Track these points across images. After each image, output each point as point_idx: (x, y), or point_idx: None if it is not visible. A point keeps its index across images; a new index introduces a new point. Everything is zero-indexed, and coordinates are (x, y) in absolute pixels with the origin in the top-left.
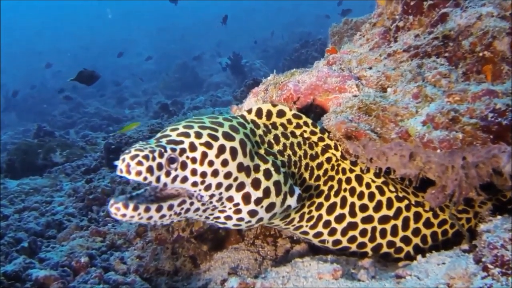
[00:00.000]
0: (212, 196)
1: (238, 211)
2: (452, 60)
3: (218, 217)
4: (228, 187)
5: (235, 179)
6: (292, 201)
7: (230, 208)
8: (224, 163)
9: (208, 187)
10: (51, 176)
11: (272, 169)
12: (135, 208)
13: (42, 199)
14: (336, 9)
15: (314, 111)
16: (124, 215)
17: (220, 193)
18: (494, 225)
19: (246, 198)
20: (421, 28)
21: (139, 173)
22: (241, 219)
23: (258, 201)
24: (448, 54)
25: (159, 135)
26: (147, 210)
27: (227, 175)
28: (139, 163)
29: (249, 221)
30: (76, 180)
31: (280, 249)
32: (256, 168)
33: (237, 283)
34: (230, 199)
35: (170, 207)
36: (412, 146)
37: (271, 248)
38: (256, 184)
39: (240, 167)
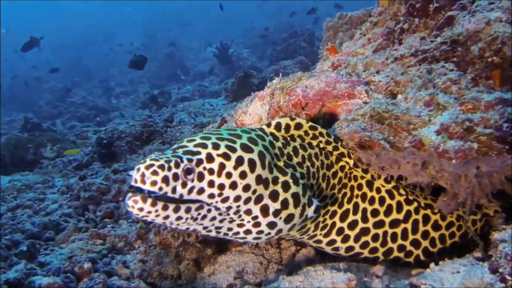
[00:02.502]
0: (229, 208)
1: (257, 224)
2: (460, 65)
3: (237, 233)
4: (247, 201)
5: (254, 191)
6: (310, 212)
7: (248, 222)
8: (243, 175)
9: (225, 200)
10: (42, 171)
11: (290, 181)
12: (153, 204)
13: (35, 196)
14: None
15: (323, 118)
16: (141, 209)
17: (238, 206)
18: (508, 234)
19: (264, 211)
20: (427, 31)
21: (154, 183)
22: (260, 232)
23: (276, 213)
24: (456, 59)
25: (175, 146)
26: (165, 208)
27: (246, 188)
28: (154, 173)
29: (269, 233)
30: (68, 176)
31: (285, 252)
32: (275, 181)
33: None
34: (248, 212)
35: (188, 210)
36: (425, 155)
37: (275, 250)
38: (274, 196)
39: (259, 180)
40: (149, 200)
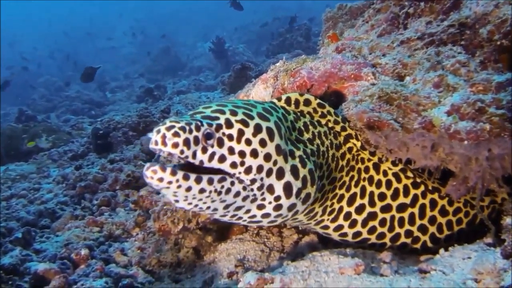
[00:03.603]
0: (253, 181)
1: (278, 207)
2: (469, 48)
3: (254, 216)
4: (269, 172)
5: (275, 162)
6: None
7: (270, 203)
8: (263, 143)
9: (248, 170)
10: (37, 162)
11: (304, 156)
12: (173, 173)
13: (29, 186)
14: None
15: (329, 100)
16: (161, 179)
17: (262, 179)
18: None
19: (288, 190)
20: (433, 15)
21: (175, 145)
22: (279, 215)
23: (298, 193)
24: (464, 42)
25: (191, 112)
26: (185, 177)
27: (267, 157)
28: (176, 134)
29: (286, 216)
30: (63, 166)
31: (287, 240)
32: (292, 154)
33: (255, 279)
34: (270, 189)
35: (210, 181)
36: (435, 136)
37: (277, 239)
38: (295, 172)
39: (279, 150)
40: (169, 169)
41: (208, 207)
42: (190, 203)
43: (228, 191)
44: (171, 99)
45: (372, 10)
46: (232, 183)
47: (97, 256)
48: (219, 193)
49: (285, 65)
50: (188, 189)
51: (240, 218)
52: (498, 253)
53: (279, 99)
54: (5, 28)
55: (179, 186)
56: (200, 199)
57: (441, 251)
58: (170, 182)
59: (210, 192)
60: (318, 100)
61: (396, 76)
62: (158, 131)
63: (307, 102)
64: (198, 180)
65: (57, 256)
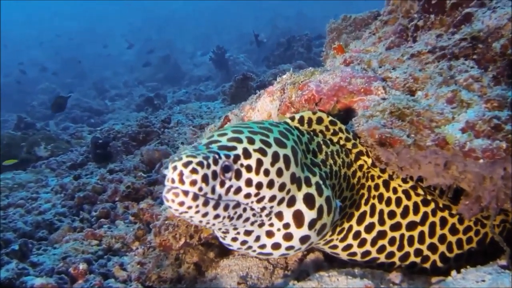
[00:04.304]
0: (263, 209)
1: (288, 237)
2: (481, 63)
3: (264, 246)
4: (280, 201)
5: (288, 191)
6: (337, 216)
7: (278, 230)
8: (279, 172)
9: (261, 200)
10: (36, 170)
11: (321, 182)
12: (195, 198)
13: (27, 195)
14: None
15: (338, 114)
16: (182, 203)
17: (271, 207)
18: None
19: (298, 219)
20: (443, 28)
21: (194, 182)
22: (290, 248)
23: (312, 224)
24: (477, 57)
25: (206, 140)
26: (205, 203)
27: (281, 187)
28: (194, 171)
29: (299, 249)
30: (62, 176)
31: (291, 257)
32: (307, 181)
33: None
34: (279, 216)
35: (226, 208)
36: (449, 154)
37: None
38: (309, 201)
39: (293, 178)
40: (191, 194)
41: (219, 229)
42: (202, 223)
43: (239, 217)
44: (171, 109)
45: (379, 22)
46: (245, 210)
47: (96, 271)
48: (231, 218)
49: (293, 78)
50: (205, 214)
51: (250, 247)
52: None
53: (292, 119)
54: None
55: (197, 212)
56: (214, 224)
57: (453, 273)
58: (190, 207)
59: (224, 217)
60: (330, 118)
61: (407, 90)
62: (175, 168)
63: (319, 121)
64: (215, 207)
65: (55, 270)
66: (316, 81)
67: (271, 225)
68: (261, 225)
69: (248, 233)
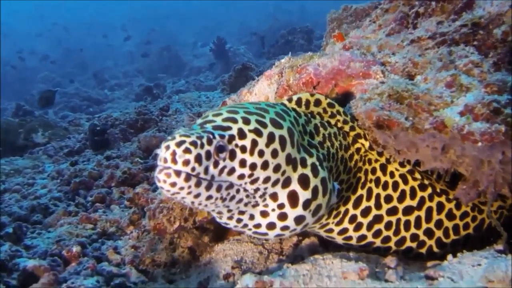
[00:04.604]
0: (256, 190)
1: (283, 217)
2: (481, 49)
3: (259, 225)
4: (275, 182)
5: (283, 172)
6: (334, 199)
7: (273, 210)
8: (274, 153)
9: (254, 181)
10: (33, 157)
11: (317, 163)
12: (187, 179)
13: (23, 181)
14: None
15: (336, 98)
16: (173, 184)
17: (265, 188)
18: None
19: (293, 199)
20: (444, 15)
21: (186, 162)
22: (286, 228)
23: (306, 204)
24: (477, 43)
25: (200, 120)
26: (198, 184)
27: (276, 168)
28: (187, 151)
29: (294, 229)
30: (59, 162)
31: (286, 242)
32: (303, 162)
33: (253, 282)
34: (274, 196)
35: (219, 188)
36: (447, 137)
37: (276, 240)
38: (304, 181)
39: (289, 159)
40: (183, 175)
41: (213, 210)
42: (195, 204)
43: (232, 198)
44: (170, 98)
45: (379, 10)
46: (238, 191)
47: (89, 254)
48: (224, 199)
49: (291, 61)
50: (197, 195)
51: (246, 225)
52: (510, 260)
53: (290, 100)
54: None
55: (189, 193)
56: (206, 205)
57: (449, 257)
58: (182, 188)
59: (217, 198)
60: (328, 100)
61: (406, 75)
62: (168, 147)
63: (317, 103)
64: (208, 187)
65: (48, 253)
66: (314, 64)
67: (266, 205)
68: (255, 205)
69: (242, 213)
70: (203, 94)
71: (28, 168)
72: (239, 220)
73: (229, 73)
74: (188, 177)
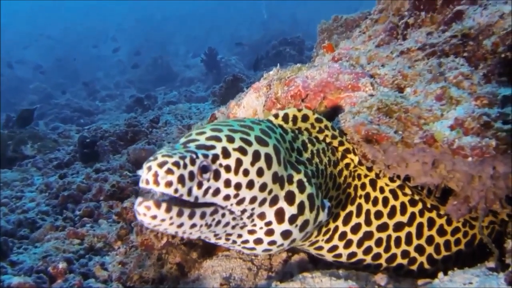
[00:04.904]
0: (243, 211)
1: (270, 232)
2: (471, 60)
3: (247, 241)
4: (262, 202)
5: (270, 192)
6: (324, 216)
7: (261, 228)
8: (260, 172)
9: (240, 202)
10: (21, 169)
11: (304, 180)
12: (168, 209)
13: (12, 194)
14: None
15: (324, 111)
16: (154, 217)
17: (253, 209)
18: None
19: (280, 215)
20: (434, 26)
21: (169, 184)
22: (273, 243)
23: (292, 219)
24: (467, 54)
25: (184, 139)
26: (179, 214)
27: (262, 188)
28: (169, 171)
29: (282, 244)
30: (48, 175)
31: (275, 259)
32: (290, 179)
33: None
34: (261, 216)
35: (203, 215)
36: (437, 152)
37: (265, 256)
38: (290, 198)
39: (275, 178)
40: (164, 205)
41: (199, 237)
42: (178, 233)
43: (218, 223)
44: (161, 109)
45: (369, 21)
46: (223, 215)
47: (76, 270)
48: (209, 226)
49: (279, 74)
50: (180, 225)
51: (234, 242)
52: (502, 278)
53: (276, 116)
54: None
55: (171, 223)
56: (190, 233)
57: (440, 275)
58: (163, 220)
59: (201, 226)
60: (316, 115)
61: (396, 87)
62: (149, 168)
63: (305, 118)
64: (191, 216)
65: (34, 269)
66: (303, 76)
67: (254, 225)
68: (243, 227)
69: (229, 234)
70: (194, 105)
71: (17, 180)
72: (227, 239)
73: (220, 84)
74: (169, 208)
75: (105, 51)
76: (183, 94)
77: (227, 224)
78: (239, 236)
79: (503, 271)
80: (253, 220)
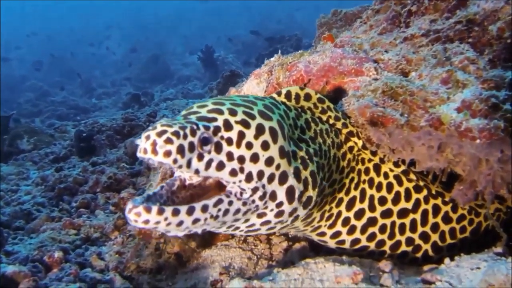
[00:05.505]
0: (255, 190)
1: (280, 214)
2: (477, 46)
3: (253, 225)
4: (271, 178)
5: (278, 166)
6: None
7: (271, 210)
8: (265, 146)
9: (249, 177)
10: (17, 163)
11: (306, 157)
12: (160, 212)
13: (7, 188)
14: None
15: (327, 96)
16: (147, 221)
17: (263, 186)
18: None
19: (290, 194)
20: (437, 13)
21: (168, 153)
22: (279, 222)
23: (300, 196)
24: (472, 40)
25: (184, 112)
26: (175, 213)
27: (269, 161)
28: (168, 141)
29: (286, 222)
30: (44, 169)
31: (275, 248)
32: (294, 155)
33: (242, 287)
34: (273, 196)
35: (205, 208)
36: (443, 135)
37: (265, 246)
38: (297, 174)
39: (282, 152)
40: (154, 209)
41: (204, 229)
42: (184, 232)
43: (226, 212)
44: (158, 105)
45: (370, 11)
46: (230, 203)
47: (72, 260)
48: (216, 217)
49: (281, 59)
50: (180, 223)
51: (237, 228)
52: (510, 263)
53: (279, 94)
54: None
55: (168, 224)
56: (195, 227)
57: (446, 260)
58: (158, 222)
59: (206, 219)
60: (318, 95)
61: (400, 72)
62: (148, 137)
63: (307, 97)
64: (190, 212)
65: (29, 259)
66: (305, 61)
67: (265, 207)
68: (255, 211)
69: (236, 220)
70: (191, 101)
71: (13, 174)
72: (230, 227)
73: (218, 80)
74: (160, 210)
75: (102, 49)
76: (180, 92)
77: (237, 211)
78: (246, 221)
79: (511, 256)
80: (265, 203)
